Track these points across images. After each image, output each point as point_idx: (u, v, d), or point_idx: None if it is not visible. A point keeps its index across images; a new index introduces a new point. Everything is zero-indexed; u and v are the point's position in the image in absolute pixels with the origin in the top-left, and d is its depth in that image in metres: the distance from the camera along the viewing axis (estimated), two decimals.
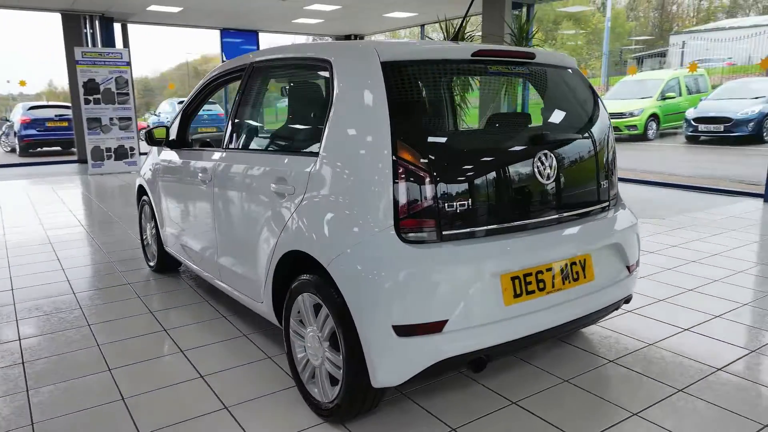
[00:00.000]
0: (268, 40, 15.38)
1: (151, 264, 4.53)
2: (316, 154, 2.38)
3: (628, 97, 15.93)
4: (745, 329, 3.27)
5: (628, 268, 2.68)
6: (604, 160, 2.65)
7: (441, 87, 2.42)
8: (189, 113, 3.88)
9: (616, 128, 15.35)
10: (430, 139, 2.19)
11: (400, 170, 2.09)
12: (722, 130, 13.35)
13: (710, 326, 3.30)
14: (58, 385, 2.74)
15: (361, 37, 15.87)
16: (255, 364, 2.93)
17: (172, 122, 3.94)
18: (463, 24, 2.71)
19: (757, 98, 13.63)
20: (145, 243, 4.66)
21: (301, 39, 15.91)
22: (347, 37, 15.71)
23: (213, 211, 3.19)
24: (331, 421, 2.39)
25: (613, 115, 15.41)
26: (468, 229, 2.18)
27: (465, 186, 2.17)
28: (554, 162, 2.40)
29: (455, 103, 3.92)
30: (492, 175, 2.24)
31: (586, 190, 2.57)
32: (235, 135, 3.13)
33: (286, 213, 2.49)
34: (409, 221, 2.11)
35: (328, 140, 2.32)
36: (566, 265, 2.38)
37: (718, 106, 13.64)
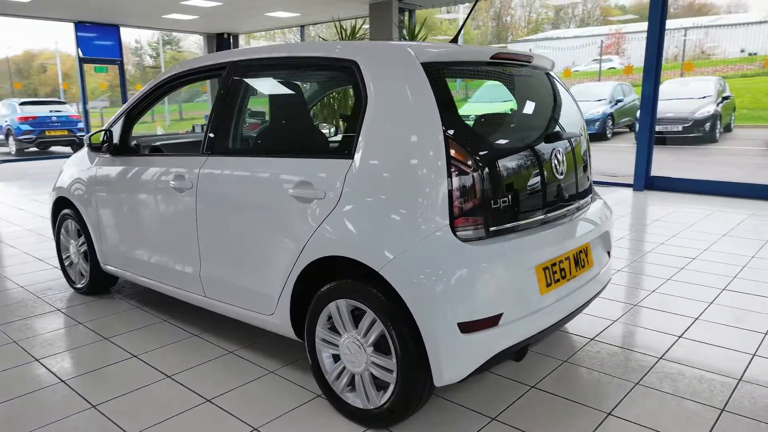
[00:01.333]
0: (131, 35, 14.25)
1: (79, 285, 4.04)
2: (349, 156, 2.33)
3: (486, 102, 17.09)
4: (660, 313, 3.75)
5: (608, 253, 2.97)
6: (588, 154, 2.91)
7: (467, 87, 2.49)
8: (134, 116, 3.54)
9: None
10: (474, 137, 2.26)
11: (453, 169, 2.14)
12: None
13: (633, 314, 3.61)
14: None
15: (235, 37, 15.32)
16: (260, 381, 2.78)
17: (112, 126, 3.56)
18: (465, 23, 2.77)
19: (599, 100, 15.38)
20: (66, 263, 4.14)
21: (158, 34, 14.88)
22: (219, 36, 15.09)
23: (196, 222, 2.95)
24: (376, 427, 2.36)
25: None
26: (509, 224, 2.29)
27: (504, 182, 2.27)
28: (564, 158, 2.60)
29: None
30: (524, 171, 2.37)
31: (581, 183, 2.80)
32: (222, 138, 2.92)
33: (315, 218, 2.40)
34: (462, 219, 2.16)
35: (366, 141, 2.28)
36: (577, 253, 2.58)
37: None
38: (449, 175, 2.14)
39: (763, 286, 3.99)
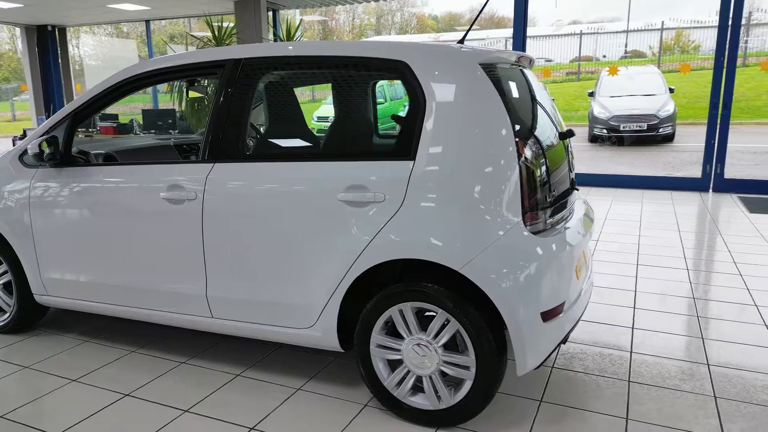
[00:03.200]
0: None
1: (2, 320, 3.37)
2: (409, 157, 2.31)
3: None
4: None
5: None
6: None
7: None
8: (80, 119, 3.05)
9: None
10: (532, 134, 2.38)
11: (522, 166, 2.24)
12: None
13: None
14: None
15: (61, 30, 13.57)
16: (292, 401, 2.62)
17: (52, 130, 3.03)
18: (472, 24, 2.83)
19: None
20: None
21: None
22: (41, 28, 13.26)
23: (202, 236, 2.66)
24: (446, 425, 2.39)
25: (321, 119, 16.52)
26: (557, 216, 2.46)
27: (550, 177, 2.43)
28: (570, 152, 2.84)
29: None
30: (556, 166, 2.55)
31: (573, 175, 3.07)
32: (235, 143, 2.66)
33: (374, 222, 2.33)
34: (531, 214, 2.28)
35: (431, 143, 2.28)
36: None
37: None
38: (521, 173, 2.24)
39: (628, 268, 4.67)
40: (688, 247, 5.02)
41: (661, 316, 3.50)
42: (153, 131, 10.28)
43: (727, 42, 7.33)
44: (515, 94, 2.46)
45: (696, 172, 8.39)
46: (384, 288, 2.39)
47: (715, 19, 7.75)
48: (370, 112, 2.80)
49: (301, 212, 2.47)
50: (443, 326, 2.30)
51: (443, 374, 2.35)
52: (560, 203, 2.53)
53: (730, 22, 7.36)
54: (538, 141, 2.41)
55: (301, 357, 3.01)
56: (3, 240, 3.23)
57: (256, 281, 2.61)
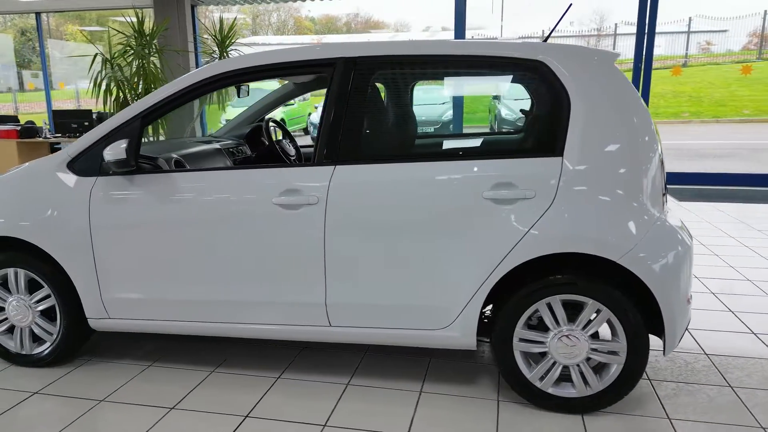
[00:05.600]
0: None
1: (39, 352, 2.95)
2: (556, 154, 2.38)
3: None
4: None
5: None
6: None
7: None
8: (149, 122, 2.77)
9: None
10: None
11: (660, 159, 2.42)
12: None
13: None
14: None
15: None
16: (427, 407, 2.59)
17: (112, 135, 2.72)
18: (555, 26, 2.91)
19: None
20: None
21: None
22: None
23: (324, 242, 2.53)
24: (591, 411, 2.50)
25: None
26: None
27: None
28: None
29: None
30: None
31: None
32: (360, 144, 2.56)
33: (524, 219, 2.37)
34: (665, 206, 2.46)
35: (579, 139, 2.37)
36: None
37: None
38: (661, 164, 2.41)
39: None
40: None
41: None
42: (68, 134, 9.34)
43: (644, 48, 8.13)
44: None
45: None
46: (522, 284, 2.44)
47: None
48: (506, 110, 2.82)
49: (441, 212, 2.45)
50: (595, 315, 2.40)
51: (588, 361, 2.46)
52: None
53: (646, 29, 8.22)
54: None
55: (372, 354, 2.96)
56: (45, 261, 2.83)
57: (387, 285, 2.54)
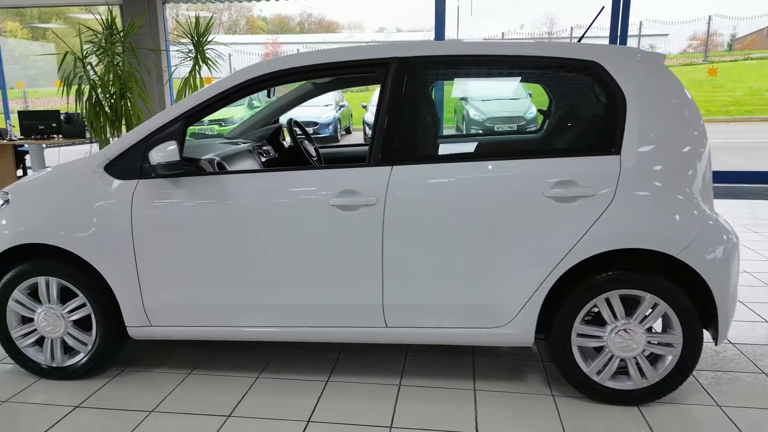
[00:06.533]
0: None
1: (75, 362, 2.81)
2: (614, 152, 2.44)
3: None
4: None
5: None
6: None
7: None
8: (191, 122, 2.69)
9: (221, 135, 15.85)
10: None
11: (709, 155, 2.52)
12: (312, 132, 15.63)
13: None
14: None
15: None
16: (486, 402, 2.61)
17: (153, 136, 2.63)
18: (589, 27, 2.98)
19: (327, 105, 16.51)
20: (23, 343, 2.82)
21: None
22: None
23: (382, 243, 2.51)
24: (645, 402, 2.57)
25: (213, 122, 15.82)
26: None
27: None
28: None
29: None
30: None
31: None
32: (416, 144, 2.55)
33: (585, 216, 2.42)
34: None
35: (637, 137, 2.43)
36: None
37: (305, 113, 15.79)
38: (709, 161, 2.50)
39: None
40: None
41: None
42: (34, 136, 8.94)
43: None
44: None
45: None
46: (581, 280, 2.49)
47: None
48: (562, 110, 2.86)
49: (502, 211, 2.47)
50: (652, 309, 2.47)
51: (648, 355, 2.53)
52: None
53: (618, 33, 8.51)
54: None
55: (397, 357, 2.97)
56: (80, 268, 2.71)
57: (446, 285, 2.55)
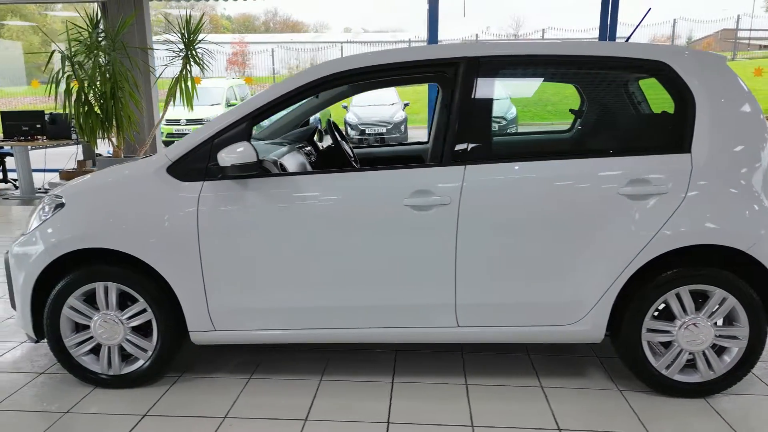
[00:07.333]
0: None
1: (135, 369, 2.73)
2: (683, 150, 2.50)
3: (197, 104, 16.32)
4: None
5: None
6: None
7: None
8: (257, 122, 2.65)
9: None
10: None
11: None
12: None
13: None
14: None
15: None
16: (557, 398, 2.64)
17: (218, 136, 2.58)
18: (636, 28, 3.05)
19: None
20: (77, 351, 2.72)
21: None
22: None
23: (456, 243, 2.51)
24: (710, 394, 2.64)
25: (191, 122, 15.60)
26: None
27: None
28: None
29: None
30: None
31: None
32: (490, 144, 2.56)
33: (658, 214, 2.47)
34: None
35: (707, 136, 2.49)
36: None
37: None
38: None
39: None
40: None
41: None
42: (17, 137, 8.64)
43: None
44: None
45: None
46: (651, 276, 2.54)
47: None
48: (632, 110, 2.90)
49: (576, 209, 2.50)
50: (720, 303, 2.54)
51: (714, 348, 2.60)
52: None
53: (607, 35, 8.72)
54: None
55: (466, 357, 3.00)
56: (142, 273, 2.63)
57: (519, 284, 2.57)
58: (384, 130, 14.83)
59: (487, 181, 2.53)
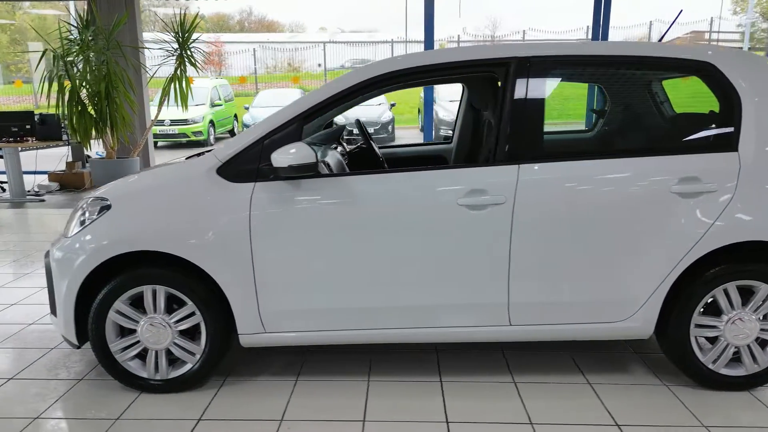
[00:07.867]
0: None
1: (183, 373, 2.68)
2: (731, 149, 2.55)
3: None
4: None
5: None
6: None
7: None
8: (307, 123, 2.63)
9: (184, 134, 15.37)
10: None
11: None
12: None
13: None
14: None
15: None
16: (617, 396, 2.68)
17: (277, 134, 2.56)
18: (668, 29, 3.12)
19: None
20: (124, 356, 2.67)
21: None
22: None
23: (510, 242, 2.53)
24: (755, 386, 2.71)
25: (176, 122, 15.38)
26: None
27: None
28: None
29: None
30: None
31: None
32: (541, 143, 2.59)
33: (709, 211, 2.51)
34: None
35: (752, 135, 2.54)
36: None
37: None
38: None
39: None
40: None
41: None
42: (6, 138, 8.42)
43: None
44: None
45: None
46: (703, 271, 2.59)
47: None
48: (679, 109, 2.95)
49: (629, 207, 2.54)
50: (760, 299, 2.60)
51: (757, 341, 2.66)
52: None
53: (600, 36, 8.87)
54: None
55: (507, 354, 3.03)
56: (191, 275, 2.59)
57: (572, 282, 2.60)
58: (372, 130, 14.82)
59: (540, 180, 2.56)
